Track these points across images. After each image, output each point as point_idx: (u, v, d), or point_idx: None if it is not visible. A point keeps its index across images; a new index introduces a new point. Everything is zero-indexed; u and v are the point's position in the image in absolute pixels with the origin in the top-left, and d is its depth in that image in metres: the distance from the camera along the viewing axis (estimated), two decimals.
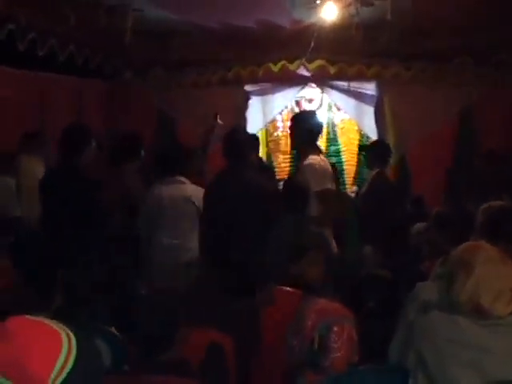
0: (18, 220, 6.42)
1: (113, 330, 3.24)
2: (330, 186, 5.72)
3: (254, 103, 9.05)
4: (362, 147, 8.83)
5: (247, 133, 5.71)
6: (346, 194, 7.92)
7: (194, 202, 5.33)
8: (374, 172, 6.82)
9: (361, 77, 8.36)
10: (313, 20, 7.02)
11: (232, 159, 5.14)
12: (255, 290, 3.62)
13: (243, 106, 8.92)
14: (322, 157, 5.74)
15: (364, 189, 6.81)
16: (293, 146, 5.71)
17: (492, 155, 7.02)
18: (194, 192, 5.38)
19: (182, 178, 5.45)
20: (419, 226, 5.93)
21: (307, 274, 3.94)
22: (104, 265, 3.58)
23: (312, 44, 7.37)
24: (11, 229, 5.95)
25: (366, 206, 6.43)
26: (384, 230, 6.07)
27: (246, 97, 8.96)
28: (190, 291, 3.81)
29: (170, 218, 5.35)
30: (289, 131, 5.93)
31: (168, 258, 5.26)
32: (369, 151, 7.27)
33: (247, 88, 8.95)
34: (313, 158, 5.48)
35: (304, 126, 5.68)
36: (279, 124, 9.64)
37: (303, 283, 3.83)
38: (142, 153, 6.15)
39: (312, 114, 6.43)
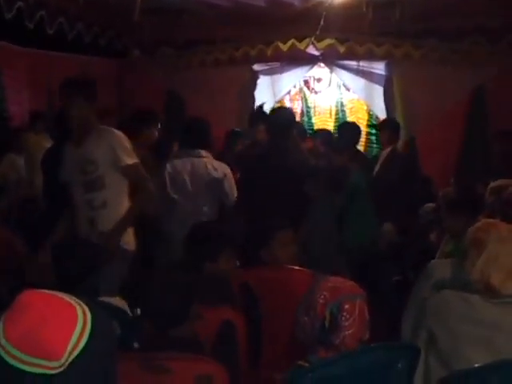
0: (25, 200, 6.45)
1: (117, 300, 3.26)
2: None
3: (263, 82, 9.03)
4: (373, 126, 8.80)
5: (291, 113, 5.87)
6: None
7: (214, 177, 5.30)
8: (387, 150, 6.80)
9: (370, 56, 8.31)
10: None
11: (274, 136, 5.37)
12: None
13: (251, 85, 8.90)
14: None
15: (378, 167, 6.76)
16: None
17: (504, 136, 6.96)
18: (216, 165, 5.36)
19: (203, 152, 5.42)
20: (427, 206, 5.95)
21: (278, 256, 3.89)
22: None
23: (322, 22, 7.33)
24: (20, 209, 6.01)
25: (383, 183, 6.40)
26: (401, 207, 6.08)
27: (255, 76, 8.94)
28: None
29: (190, 191, 5.31)
30: None
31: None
32: (380, 129, 7.23)
33: (256, 67, 8.91)
34: None
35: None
36: (287, 103, 9.61)
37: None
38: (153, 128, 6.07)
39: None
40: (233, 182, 5.36)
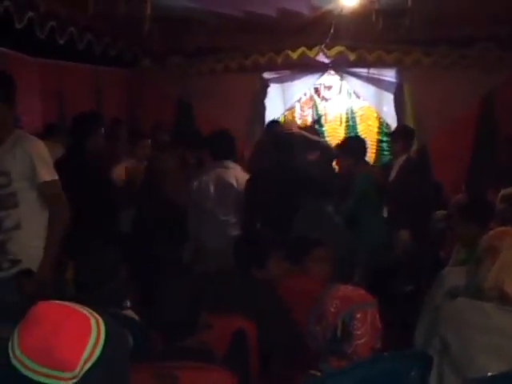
0: None
1: (130, 313, 3.27)
2: None
3: (273, 90, 9.05)
4: (386, 134, 8.74)
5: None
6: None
7: (237, 188, 5.36)
8: (402, 158, 6.74)
9: (381, 63, 8.31)
10: (332, 6, 6.97)
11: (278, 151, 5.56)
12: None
13: (262, 94, 8.92)
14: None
15: (394, 175, 6.71)
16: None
17: None
18: (240, 177, 5.40)
19: (230, 163, 5.45)
20: (439, 213, 5.93)
21: (311, 272, 3.88)
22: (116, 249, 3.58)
23: (331, 30, 7.33)
24: None
25: (399, 191, 6.36)
26: (416, 215, 6.07)
27: (265, 84, 8.95)
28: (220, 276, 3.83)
29: (216, 202, 5.36)
30: None
31: (212, 240, 5.30)
32: (395, 138, 7.16)
33: (266, 75, 8.93)
34: None
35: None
36: (297, 111, 9.62)
37: None
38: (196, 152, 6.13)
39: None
40: None
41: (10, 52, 6.95)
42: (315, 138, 7.56)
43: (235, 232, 5.28)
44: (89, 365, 1.39)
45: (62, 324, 1.40)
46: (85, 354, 1.38)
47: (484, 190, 5.94)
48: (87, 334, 1.41)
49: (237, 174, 5.42)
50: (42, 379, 1.37)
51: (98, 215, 4.87)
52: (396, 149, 6.96)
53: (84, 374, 1.39)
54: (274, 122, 7.93)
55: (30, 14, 5.72)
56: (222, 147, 5.47)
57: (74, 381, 1.38)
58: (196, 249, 5.41)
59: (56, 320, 1.40)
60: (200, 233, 5.40)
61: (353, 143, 6.82)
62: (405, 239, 6.17)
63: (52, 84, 7.80)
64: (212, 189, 5.35)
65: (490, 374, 2.53)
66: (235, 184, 5.34)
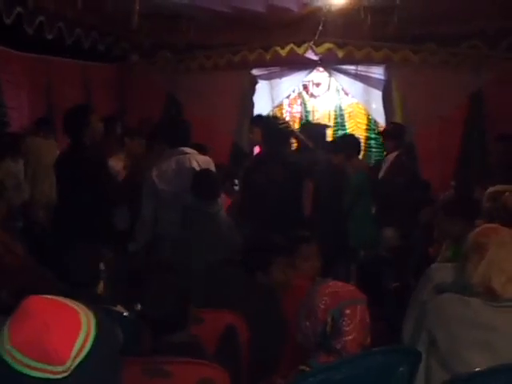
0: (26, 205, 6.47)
1: (119, 308, 3.27)
2: None
3: (262, 87, 9.05)
4: (376, 133, 8.76)
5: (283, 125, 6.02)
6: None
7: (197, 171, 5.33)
8: (392, 155, 6.75)
9: (369, 60, 8.33)
10: (321, 3, 6.99)
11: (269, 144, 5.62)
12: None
13: (250, 90, 8.92)
14: None
15: (383, 172, 6.72)
16: None
17: (504, 139, 6.95)
18: (201, 160, 5.38)
19: (187, 149, 5.42)
20: (426, 210, 5.95)
21: (300, 269, 3.88)
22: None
23: (320, 27, 7.35)
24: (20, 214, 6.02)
25: (389, 188, 6.39)
26: (404, 212, 6.09)
27: (253, 80, 8.95)
28: (212, 273, 3.82)
29: (176, 188, 5.32)
30: None
31: (172, 229, 5.25)
32: (387, 136, 7.15)
33: (254, 72, 8.93)
34: None
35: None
36: (286, 108, 9.63)
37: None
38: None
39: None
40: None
41: None
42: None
43: None
44: (79, 359, 1.39)
45: (52, 318, 1.40)
46: (75, 348, 1.39)
47: (472, 188, 5.96)
48: (77, 328, 1.41)
49: (196, 158, 5.39)
50: (32, 373, 1.37)
51: (98, 209, 4.88)
52: (389, 146, 6.95)
53: (75, 368, 1.39)
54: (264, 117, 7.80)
55: (19, 9, 5.71)
56: (178, 134, 5.45)
57: (65, 374, 1.38)
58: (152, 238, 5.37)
59: (47, 314, 1.40)
60: (159, 221, 5.36)
61: (344, 140, 6.85)
62: (389, 237, 6.20)
63: (40, 79, 7.78)
64: (173, 177, 5.29)
65: (477, 369, 2.55)
66: (197, 167, 5.29)
